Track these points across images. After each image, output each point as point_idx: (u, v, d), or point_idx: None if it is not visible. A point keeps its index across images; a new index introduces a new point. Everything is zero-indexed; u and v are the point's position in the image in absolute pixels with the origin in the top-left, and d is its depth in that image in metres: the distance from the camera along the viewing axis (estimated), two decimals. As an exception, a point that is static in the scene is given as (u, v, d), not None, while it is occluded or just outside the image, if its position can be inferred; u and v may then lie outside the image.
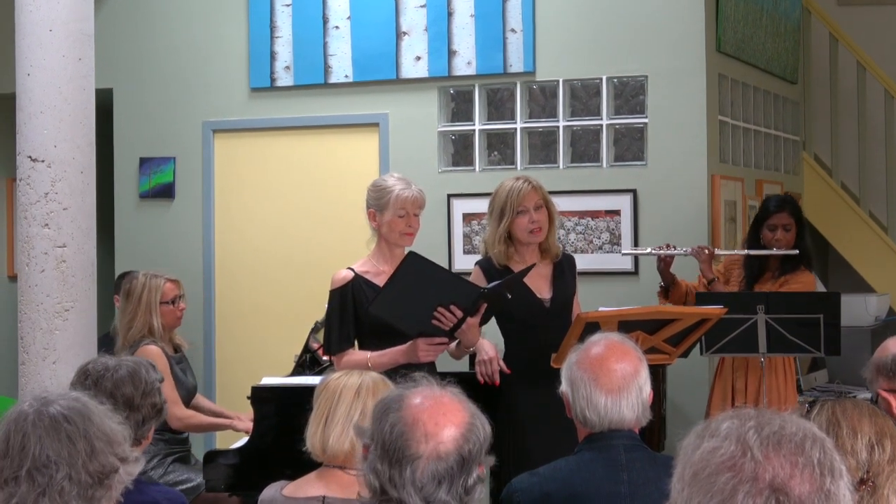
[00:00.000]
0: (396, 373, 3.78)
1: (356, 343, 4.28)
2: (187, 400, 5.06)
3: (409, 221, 4.24)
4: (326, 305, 4.34)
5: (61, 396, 2.07)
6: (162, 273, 5.09)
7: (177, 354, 5.07)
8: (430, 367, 4.18)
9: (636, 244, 5.85)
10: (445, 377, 2.22)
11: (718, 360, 5.42)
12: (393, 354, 4.12)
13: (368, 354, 4.15)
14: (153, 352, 4.85)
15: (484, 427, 2.09)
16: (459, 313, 4.03)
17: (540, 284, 4.47)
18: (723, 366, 5.38)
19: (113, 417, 2.10)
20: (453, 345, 4.23)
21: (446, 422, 2.05)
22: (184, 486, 4.85)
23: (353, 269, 4.28)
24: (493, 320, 4.45)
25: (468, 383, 4.26)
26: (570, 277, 4.54)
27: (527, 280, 4.37)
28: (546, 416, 4.22)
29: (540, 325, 4.39)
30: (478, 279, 4.46)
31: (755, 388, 5.20)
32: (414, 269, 3.99)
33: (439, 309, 4.01)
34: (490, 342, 4.48)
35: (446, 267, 5.79)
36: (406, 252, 4.10)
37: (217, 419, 5.19)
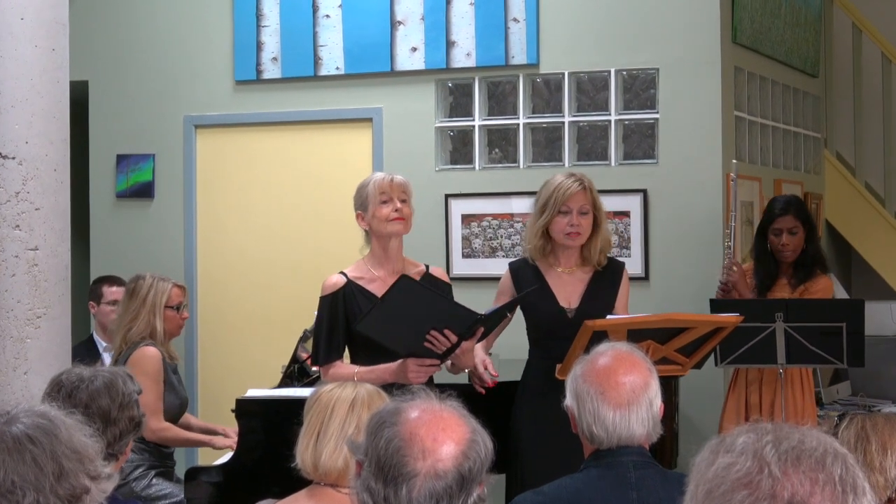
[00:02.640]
0: (393, 384, 3.80)
1: (347, 355, 4.29)
2: (180, 412, 5.12)
3: (395, 206, 4.20)
4: (316, 313, 4.34)
5: (25, 413, 2.05)
6: (169, 277, 5.18)
7: (171, 363, 5.12)
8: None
9: (646, 244, 5.87)
10: (445, 390, 2.21)
11: (732, 372, 5.42)
12: (381, 372, 4.09)
13: (356, 369, 4.14)
14: (151, 353, 4.91)
15: (485, 444, 2.09)
16: (454, 338, 4.02)
17: (569, 292, 4.45)
18: (737, 378, 5.38)
19: (84, 430, 2.09)
20: (447, 364, 4.24)
21: (445, 438, 2.04)
22: (167, 502, 4.88)
23: (345, 274, 4.27)
24: (522, 324, 4.48)
25: (469, 397, 4.30)
26: (609, 288, 4.49)
27: (553, 287, 4.41)
28: (562, 429, 4.23)
29: (558, 336, 4.36)
30: (505, 283, 4.50)
31: (771, 402, 5.20)
32: (405, 294, 3.97)
33: (432, 332, 4.00)
34: (481, 349, 4.48)
35: (444, 269, 5.78)
36: (400, 276, 4.07)
37: (195, 434, 5.21)
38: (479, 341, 4.22)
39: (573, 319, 4.38)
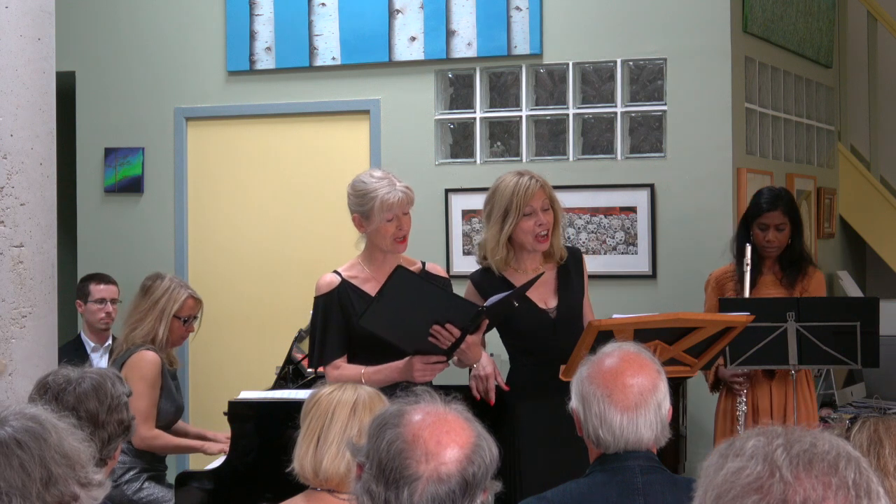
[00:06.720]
0: (397, 386, 3.81)
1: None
2: (175, 419, 5.17)
3: (400, 224, 4.21)
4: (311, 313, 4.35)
5: (15, 415, 2.04)
6: (188, 286, 5.24)
7: (171, 368, 5.16)
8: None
9: (653, 240, 5.87)
10: (451, 392, 2.22)
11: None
12: (388, 371, 4.12)
13: (363, 369, 4.15)
14: (151, 358, 4.97)
15: (490, 449, 2.09)
16: (457, 332, 4.03)
17: (542, 293, 4.42)
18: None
19: (76, 434, 2.08)
20: (453, 360, 4.25)
21: (449, 441, 2.05)
22: (159, 507, 4.92)
23: (339, 273, 4.28)
24: (496, 335, 4.48)
25: (475, 400, 4.31)
26: (576, 279, 4.51)
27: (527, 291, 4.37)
28: (556, 435, 4.24)
29: (546, 339, 4.38)
30: (470, 297, 4.39)
31: (782, 406, 5.19)
32: (402, 286, 3.99)
33: (435, 327, 4.02)
34: (488, 356, 4.49)
35: (444, 267, 5.79)
36: (395, 266, 4.08)
37: (185, 441, 5.24)
38: (485, 332, 4.22)
39: (557, 319, 4.40)
